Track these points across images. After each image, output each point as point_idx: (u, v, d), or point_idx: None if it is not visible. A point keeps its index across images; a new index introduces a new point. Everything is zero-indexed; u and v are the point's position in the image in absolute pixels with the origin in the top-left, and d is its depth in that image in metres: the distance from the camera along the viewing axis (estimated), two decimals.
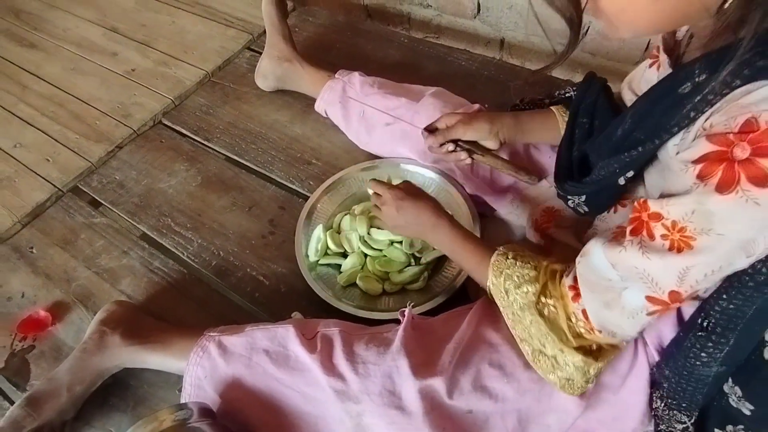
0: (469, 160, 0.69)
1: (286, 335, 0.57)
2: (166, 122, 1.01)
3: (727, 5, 0.34)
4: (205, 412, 0.55)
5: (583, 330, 0.46)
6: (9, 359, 0.70)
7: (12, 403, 0.66)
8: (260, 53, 1.05)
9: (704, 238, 0.37)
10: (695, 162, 0.37)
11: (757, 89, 0.33)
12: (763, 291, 0.40)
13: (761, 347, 0.44)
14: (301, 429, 0.55)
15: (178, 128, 1.00)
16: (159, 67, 1.11)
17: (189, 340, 0.62)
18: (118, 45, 1.17)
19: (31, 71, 1.12)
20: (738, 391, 0.47)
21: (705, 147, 0.36)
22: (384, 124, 0.85)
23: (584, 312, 0.46)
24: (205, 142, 0.96)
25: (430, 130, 0.70)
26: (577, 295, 0.46)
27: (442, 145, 0.68)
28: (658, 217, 0.39)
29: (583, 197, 0.53)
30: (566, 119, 0.63)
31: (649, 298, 0.41)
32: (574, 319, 0.47)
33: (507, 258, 0.52)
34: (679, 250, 0.38)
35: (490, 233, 0.75)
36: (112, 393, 0.66)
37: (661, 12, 0.36)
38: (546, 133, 0.68)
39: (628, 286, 0.42)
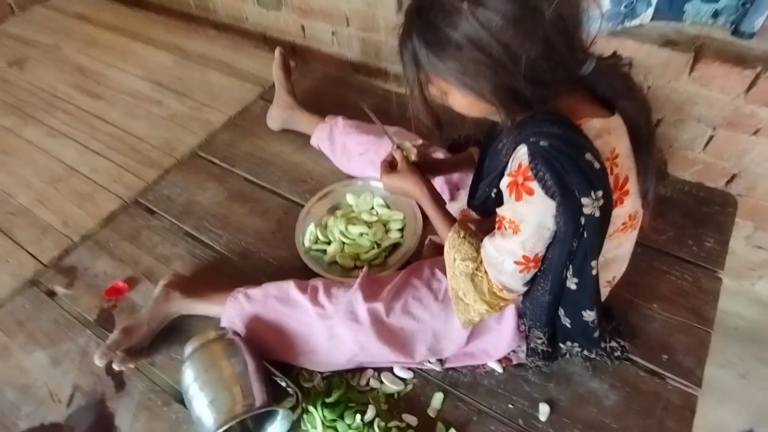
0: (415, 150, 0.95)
1: (288, 286, 0.91)
2: (201, 153, 1.37)
3: (501, 119, 0.66)
4: (236, 333, 0.88)
5: (496, 290, 0.72)
6: (100, 313, 1.03)
7: (102, 341, 0.98)
8: (270, 101, 1.41)
9: (523, 225, 0.65)
10: (507, 187, 0.65)
11: (521, 148, 0.64)
12: (555, 246, 0.68)
13: (565, 281, 0.73)
14: (297, 343, 0.87)
15: (209, 157, 1.35)
16: (194, 111, 1.48)
17: (224, 294, 0.95)
18: (162, 95, 1.55)
19: (98, 115, 1.48)
20: (562, 312, 0.77)
21: (507, 179, 0.67)
22: (359, 153, 1.20)
23: (491, 279, 0.72)
24: (230, 167, 1.31)
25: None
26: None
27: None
28: (503, 218, 0.68)
29: (481, 208, 0.83)
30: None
31: (516, 262, 0.68)
32: (491, 285, 0.72)
33: (459, 235, 0.76)
34: (516, 232, 0.66)
35: (429, 226, 1.08)
36: (171, 333, 0.98)
37: (477, 113, 0.69)
38: (468, 168, 0.99)
39: (504, 258, 0.69)
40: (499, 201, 0.80)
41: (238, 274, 1.08)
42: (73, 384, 0.93)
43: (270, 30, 1.89)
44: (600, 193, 0.62)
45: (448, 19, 0.58)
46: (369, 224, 1.11)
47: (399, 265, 1.02)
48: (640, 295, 0.97)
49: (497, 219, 0.72)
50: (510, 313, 0.86)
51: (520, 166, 0.65)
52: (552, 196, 0.63)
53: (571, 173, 0.61)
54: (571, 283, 0.72)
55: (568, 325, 0.78)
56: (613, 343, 0.88)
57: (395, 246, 1.08)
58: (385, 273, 0.98)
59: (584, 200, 0.62)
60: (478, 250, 0.75)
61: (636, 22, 1.22)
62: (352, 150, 1.22)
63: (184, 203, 1.23)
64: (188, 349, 0.84)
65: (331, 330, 0.85)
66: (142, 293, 1.06)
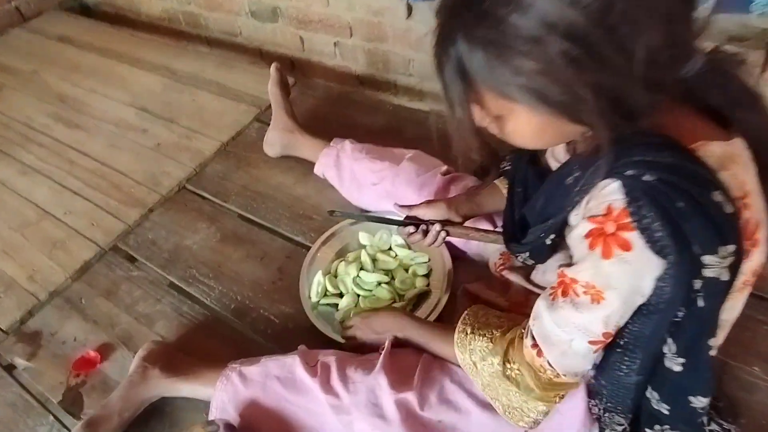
0: (444, 234, 0.79)
1: (294, 364, 0.72)
2: (190, 187, 1.20)
3: (579, 147, 0.49)
4: (230, 427, 0.69)
5: (551, 376, 0.55)
6: (65, 393, 0.85)
7: (68, 429, 0.80)
8: (267, 123, 1.24)
9: (609, 292, 0.48)
10: (585, 237, 0.48)
11: (608, 184, 0.47)
12: (651, 318, 0.51)
13: (663, 358, 0.56)
14: None
15: (199, 192, 1.18)
16: (182, 140, 1.31)
17: (214, 371, 0.76)
18: (148, 122, 1.38)
19: (77, 148, 1.32)
20: (656, 395, 0.59)
21: (588, 225, 0.48)
22: (371, 183, 1.02)
23: (549, 363, 0.55)
24: (223, 203, 1.14)
25: (405, 224, 0.80)
26: (540, 352, 0.55)
27: (418, 229, 0.79)
28: (575, 281, 0.51)
29: (527, 253, 0.66)
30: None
31: (591, 342, 0.52)
32: (542, 370, 0.55)
33: (466, 334, 0.63)
34: (598, 302, 0.49)
35: (462, 270, 0.90)
36: (151, 418, 0.80)
37: (545, 142, 0.52)
38: (493, 203, 0.81)
39: (573, 338, 0.52)
40: (554, 248, 0.62)
41: (233, 336, 0.90)
42: None
43: (266, 44, 1.74)
44: (732, 248, 0.45)
45: (514, 3, 0.40)
46: (388, 271, 0.92)
47: None
48: (736, 354, 0.78)
49: (560, 281, 0.54)
50: (578, 392, 0.66)
51: (610, 209, 0.46)
52: (660, 253, 0.45)
53: (692, 220, 0.43)
54: (674, 364, 0.54)
55: (665, 412, 0.60)
56: (714, 426, 0.68)
57: (421, 296, 0.89)
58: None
59: (708, 259, 0.45)
60: (492, 339, 0.59)
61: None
62: (363, 179, 1.04)
63: (170, 249, 1.06)
64: None
65: (349, 427, 0.66)
66: (117, 364, 0.88)
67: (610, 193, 0.47)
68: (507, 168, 0.81)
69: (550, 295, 0.55)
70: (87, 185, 1.22)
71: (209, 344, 0.89)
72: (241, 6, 1.65)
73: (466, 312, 0.66)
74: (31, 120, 1.44)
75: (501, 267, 0.81)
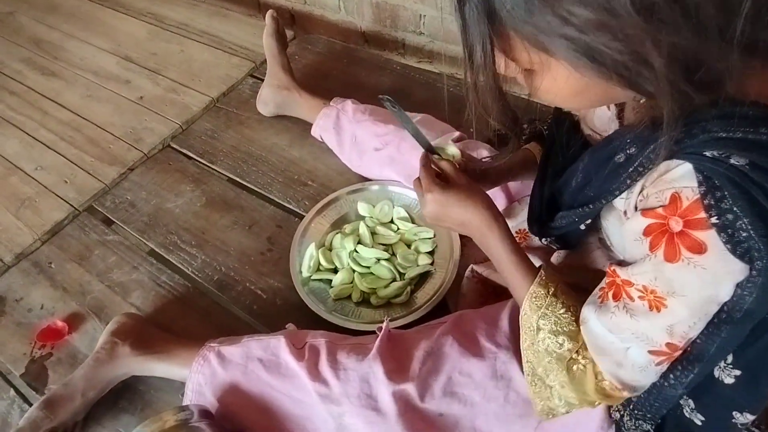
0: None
1: (278, 345, 0.64)
2: (174, 146, 1.09)
3: (642, 102, 0.39)
4: (205, 413, 0.62)
5: (607, 388, 0.48)
6: (29, 365, 0.77)
7: (30, 404, 0.73)
8: (262, 80, 1.13)
9: (672, 300, 0.41)
10: (644, 234, 0.41)
11: (675, 167, 0.38)
12: (722, 329, 0.43)
13: (715, 369, 0.48)
14: (290, 429, 0.61)
15: (185, 151, 1.07)
16: (168, 93, 1.20)
17: (191, 350, 0.68)
18: (131, 73, 1.26)
19: (51, 98, 1.21)
20: (691, 403, 0.52)
21: (645, 220, 0.40)
22: (373, 149, 0.92)
23: (603, 373, 0.47)
24: (210, 165, 1.04)
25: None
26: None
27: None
28: (629, 283, 0.43)
29: (553, 237, 0.57)
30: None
31: (652, 352, 0.44)
32: (600, 378, 0.48)
33: (548, 294, 0.50)
34: (658, 309, 0.42)
35: (471, 248, 0.81)
36: (121, 396, 0.72)
37: (585, 103, 0.42)
38: (526, 173, 0.69)
39: (629, 346, 0.45)
40: (585, 234, 0.53)
41: (215, 310, 0.82)
42: None
43: None
44: None
45: None
46: (388, 246, 0.83)
47: (432, 306, 0.75)
48: None
49: (610, 280, 0.46)
50: None
51: (676, 200, 0.37)
52: (745, 257, 0.36)
53: None
54: (727, 376, 0.47)
55: (698, 422, 0.52)
56: None
57: (424, 276, 0.80)
58: (410, 318, 0.71)
59: None
60: (578, 319, 0.49)
61: None
62: (365, 143, 0.93)
63: (150, 212, 0.96)
64: None
65: (339, 420, 0.58)
66: (87, 336, 0.80)
67: (676, 179, 0.38)
68: (543, 130, 0.69)
69: (599, 297, 0.47)
70: (61, 139, 1.11)
71: (188, 319, 0.81)
72: None
73: (544, 267, 0.52)
74: (2, 65, 1.32)
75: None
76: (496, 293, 0.72)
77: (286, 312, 0.80)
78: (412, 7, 1.32)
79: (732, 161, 0.34)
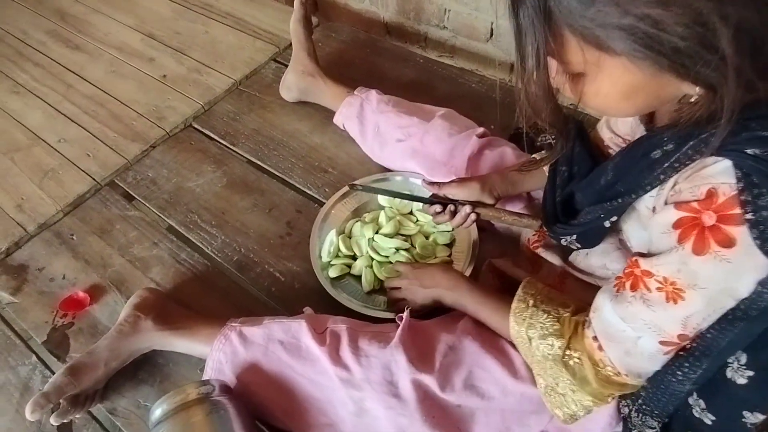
0: (474, 216, 0.72)
1: (300, 329, 0.65)
2: (196, 126, 1.10)
3: (694, 101, 0.39)
4: (225, 389, 0.63)
5: (611, 374, 0.49)
6: (51, 333, 0.79)
7: (51, 371, 0.75)
8: (285, 65, 1.13)
9: (692, 292, 0.42)
10: (674, 227, 0.42)
11: (713, 163, 0.39)
12: (735, 325, 0.45)
13: (724, 368, 0.49)
14: (309, 411, 0.63)
15: (206, 132, 1.08)
16: (192, 73, 1.20)
17: (212, 328, 0.69)
18: (155, 51, 1.27)
19: (75, 72, 1.21)
20: (702, 403, 0.53)
21: (677, 213, 0.41)
22: (396, 140, 0.93)
23: (611, 360, 0.49)
24: (231, 147, 1.05)
25: (432, 201, 0.74)
26: (600, 346, 0.49)
27: (445, 209, 0.72)
28: (649, 274, 0.44)
29: (574, 236, 0.58)
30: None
31: (662, 342, 0.46)
32: (602, 365, 0.50)
33: (528, 306, 0.55)
34: (675, 301, 0.43)
35: (489, 242, 0.82)
36: (141, 368, 0.74)
37: (633, 107, 0.43)
38: (533, 182, 0.73)
39: (641, 335, 0.46)
40: (607, 232, 0.54)
41: (234, 291, 0.83)
42: (7, 431, 0.70)
43: None
44: None
45: None
46: (407, 237, 0.84)
47: None
48: None
49: (629, 270, 0.47)
50: None
51: (713, 195, 0.38)
52: None
53: None
54: (740, 376, 0.48)
55: (708, 422, 0.54)
56: None
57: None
58: (429, 315, 0.72)
59: None
60: (559, 319, 0.52)
61: None
62: (388, 134, 0.94)
63: (171, 190, 0.98)
64: (157, 411, 0.60)
65: (360, 404, 0.60)
66: (107, 308, 0.82)
67: (714, 174, 0.39)
68: (549, 142, 0.71)
69: (615, 285, 0.48)
70: (84, 112, 1.12)
71: (207, 297, 0.82)
72: None
73: (525, 281, 0.58)
74: (26, 35, 1.32)
75: (536, 244, 0.73)
76: (512, 286, 0.73)
77: (304, 295, 0.81)
78: (438, 0, 1.32)
79: None
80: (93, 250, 0.89)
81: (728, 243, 0.38)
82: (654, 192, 0.46)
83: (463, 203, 0.72)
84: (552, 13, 0.36)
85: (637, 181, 0.47)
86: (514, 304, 0.57)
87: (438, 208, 0.73)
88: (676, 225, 0.41)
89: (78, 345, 0.77)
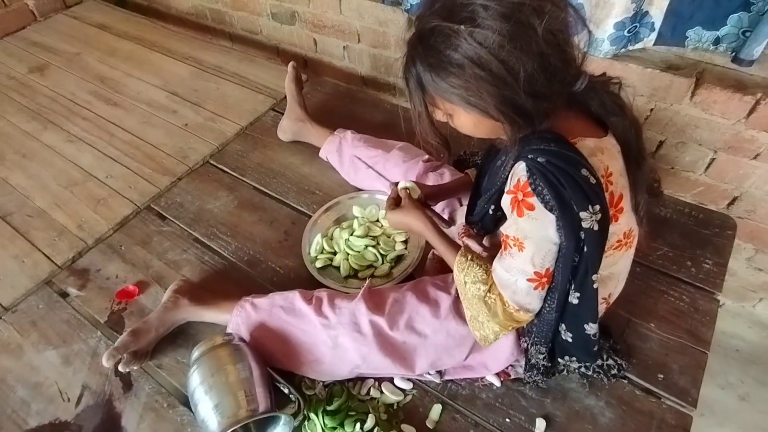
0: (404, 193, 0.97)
1: (294, 296, 0.93)
2: (213, 162, 1.41)
3: (505, 138, 0.69)
4: (242, 340, 0.90)
5: (512, 311, 0.73)
6: (110, 316, 1.06)
7: (112, 342, 1.01)
8: (281, 113, 1.45)
9: (526, 241, 0.67)
10: (509, 204, 0.68)
11: (519, 165, 0.68)
12: (558, 261, 0.70)
13: (569, 296, 0.74)
14: (301, 352, 0.90)
15: (221, 166, 1.39)
16: (207, 122, 1.52)
17: (232, 302, 0.97)
18: (177, 105, 1.59)
19: (115, 123, 1.53)
20: (563, 326, 0.78)
21: (508, 196, 0.70)
22: (366, 167, 1.23)
23: (507, 300, 0.72)
24: (241, 177, 1.35)
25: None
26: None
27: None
28: (506, 236, 0.71)
29: (479, 224, 0.87)
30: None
31: (529, 280, 0.70)
32: (507, 305, 0.73)
33: (467, 259, 0.78)
34: (521, 249, 0.68)
35: None
36: (178, 336, 1.01)
37: (483, 132, 0.72)
38: (466, 191, 1.00)
39: (516, 278, 0.71)
40: (496, 218, 0.83)
41: (245, 281, 1.11)
42: (83, 384, 0.96)
43: (283, 43, 1.95)
44: (597, 207, 0.65)
45: (447, 42, 0.61)
46: (375, 237, 1.13)
47: (403, 277, 1.04)
48: (638, 314, 0.99)
49: (502, 239, 0.75)
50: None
51: (519, 182, 0.67)
52: (551, 210, 0.65)
53: (569, 188, 0.63)
54: (573, 298, 0.74)
55: (570, 340, 0.79)
56: (610, 361, 0.89)
57: (399, 258, 1.10)
58: (388, 285, 1.01)
59: (582, 214, 0.64)
60: (487, 271, 0.77)
61: (639, 45, 1.26)
62: (360, 163, 1.25)
63: (195, 210, 1.27)
64: (195, 353, 0.87)
65: (335, 340, 0.87)
66: (151, 297, 1.09)
67: (519, 171, 0.68)
68: (478, 161, 1.02)
69: (500, 252, 0.76)
70: (125, 155, 1.43)
71: (226, 286, 1.10)
72: (263, 8, 1.86)
73: (463, 244, 0.84)
74: (74, 96, 1.65)
75: (462, 234, 1.02)
76: (449, 271, 1.02)
77: (297, 282, 1.09)
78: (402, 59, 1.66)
79: (539, 159, 0.65)
80: (137, 256, 1.17)
81: (530, 207, 0.66)
82: (506, 186, 0.76)
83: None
84: (423, 85, 0.67)
85: (493, 180, 0.77)
86: (457, 258, 0.79)
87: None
88: (509, 202, 0.70)
89: (131, 323, 1.04)
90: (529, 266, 0.70)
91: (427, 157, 1.20)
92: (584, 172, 0.64)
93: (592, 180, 0.64)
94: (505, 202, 0.72)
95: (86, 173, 1.38)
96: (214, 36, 2.10)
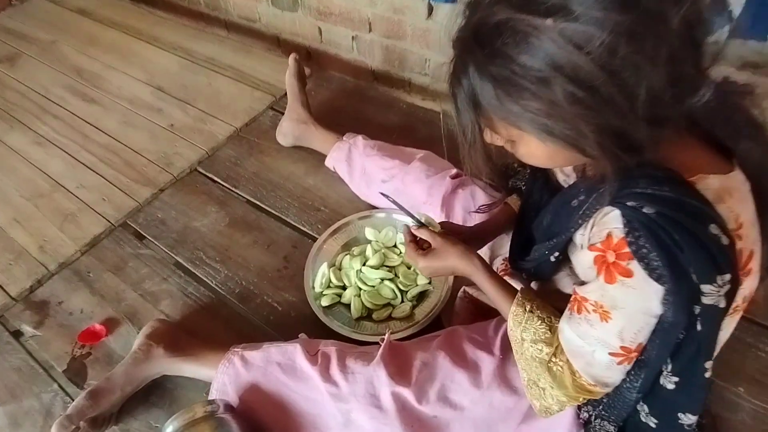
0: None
1: (295, 351, 0.74)
2: (201, 170, 1.21)
3: (588, 170, 0.50)
4: (229, 407, 0.72)
5: (586, 384, 0.56)
6: (71, 362, 0.87)
7: (71, 398, 0.83)
8: (281, 112, 1.26)
9: (615, 312, 0.51)
10: (594, 263, 0.51)
11: (609, 212, 0.49)
12: (656, 337, 0.53)
13: (659, 376, 0.58)
14: (303, 425, 0.71)
15: (210, 176, 1.20)
16: (197, 122, 1.33)
17: (217, 354, 0.78)
18: (163, 102, 1.40)
19: (91, 123, 1.34)
20: (646, 408, 0.61)
21: (591, 253, 0.51)
22: (380, 180, 1.04)
23: (579, 371, 0.56)
24: (233, 189, 1.16)
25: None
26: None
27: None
28: (585, 299, 0.53)
29: (531, 270, 0.67)
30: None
31: (611, 354, 0.53)
32: (578, 375, 0.56)
33: (525, 310, 0.61)
34: (606, 320, 0.52)
35: None
36: (152, 393, 0.82)
37: (557, 164, 0.55)
38: (509, 226, 0.79)
39: (594, 349, 0.54)
40: (557, 264, 0.64)
41: (236, 320, 0.92)
42: None
43: (284, 32, 1.74)
44: (728, 277, 0.46)
45: (524, 45, 0.42)
46: (391, 267, 0.94)
47: (428, 322, 0.85)
48: (722, 374, 0.80)
49: (573, 297, 0.57)
50: None
51: (610, 238, 0.49)
52: (659, 280, 0.47)
53: (689, 251, 0.45)
54: (669, 382, 0.56)
55: (653, 425, 0.62)
56: None
57: (422, 294, 0.91)
58: (410, 335, 0.81)
59: (706, 287, 0.46)
60: (552, 329, 0.59)
61: (709, 38, 1.05)
62: (373, 175, 1.05)
63: (178, 230, 1.08)
64: (168, 429, 0.68)
65: (347, 416, 0.68)
66: (122, 339, 0.90)
67: (610, 222, 0.49)
68: (521, 186, 0.82)
69: (569, 309, 0.58)
70: (100, 160, 1.23)
71: (212, 326, 0.91)
72: None
73: (521, 289, 0.65)
74: (47, 91, 1.45)
75: (503, 272, 0.83)
76: (484, 312, 0.83)
77: (299, 323, 0.90)
78: (419, 51, 1.46)
79: (644, 210, 0.45)
80: (108, 285, 0.98)
81: (627, 274, 0.48)
82: (581, 231, 0.56)
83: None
84: (479, 103, 0.47)
85: (563, 224, 0.57)
86: (512, 308, 0.62)
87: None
88: (594, 261, 0.51)
89: (95, 373, 0.86)
90: (614, 340, 0.53)
91: (455, 171, 1.00)
92: (713, 229, 0.45)
93: (724, 240, 0.45)
94: (587, 260, 0.53)
95: (54, 182, 1.19)
96: (208, 24, 1.89)
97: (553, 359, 0.59)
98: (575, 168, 0.64)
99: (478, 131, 0.50)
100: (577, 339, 0.56)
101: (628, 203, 0.46)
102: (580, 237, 0.57)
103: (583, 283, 0.57)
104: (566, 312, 0.59)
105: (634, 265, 0.47)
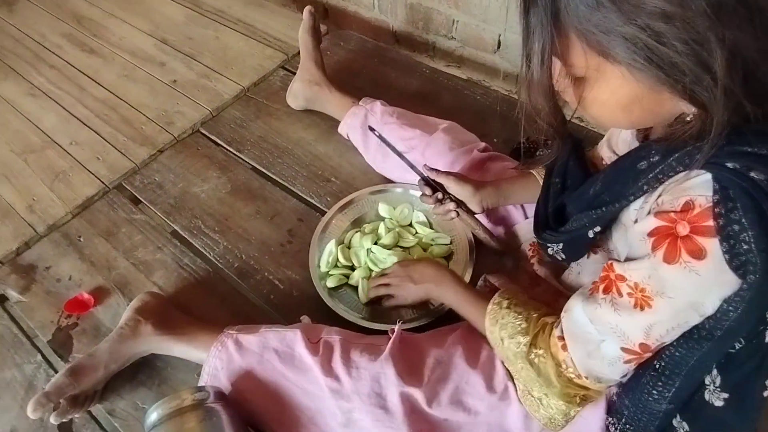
0: (454, 215, 0.76)
1: (294, 338, 0.66)
2: (204, 131, 1.12)
3: (689, 120, 0.40)
4: (220, 395, 0.64)
5: (572, 376, 0.51)
6: (56, 333, 0.81)
7: (55, 370, 0.77)
8: (293, 73, 1.15)
9: (660, 300, 0.43)
10: (649, 235, 0.42)
11: (695, 176, 0.40)
12: (702, 344, 0.45)
13: (702, 390, 0.50)
14: (300, 419, 0.64)
15: (213, 138, 1.10)
16: (201, 79, 1.22)
17: (210, 334, 0.71)
18: (167, 56, 1.29)
19: (89, 75, 1.24)
20: (685, 426, 0.53)
21: (654, 222, 0.42)
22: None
23: (573, 360, 0.50)
24: (237, 153, 1.07)
25: (427, 182, 0.77)
26: (565, 346, 0.51)
27: (433, 195, 0.76)
28: (623, 278, 0.45)
29: (560, 245, 0.58)
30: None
31: (624, 349, 0.47)
32: (564, 366, 0.51)
33: (501, 307, 0.57)
34: (642, 308, 0.44)
35: (486, 258, 0.82)
36: (140, 371, 0.76)
37: (632, 120, 0.44)
38: (526, 194, 0.75)
39: (605, 339, 0.47)
40: (592, 242, 0.54)
41: (233, 297, 0.85)
42: (11, 428, 0.72)
43: None
44: None
45: None
46: (405, 248, 0.85)
47: (444, 310, 0.76)
48: None
49: (605, 274, 0.48)
50: (596, 406, 0.60)
51: (689, 205, 0.39)
52: (740, 271, 0.38)
53: None
54: (716, 399, 0.49)
55: None
56: None
57: None
58: (423, 321, 0.73)
59: None
60: (527, 318, 0.54)
61: None
62: None
63: (177, 195, 1.00)
64: (153, 415, 0.61)
65: (348, 415, 0.61)
66: (110, 310, 0.84)
67: (693, 187, 0.39)
68: (543, 156, 0.71)
69: (588, 289, 0.49)
70: (96, 116, 1.14)
71: (207, 302, 0.84)
72: None
73: (503, 288, 0.60)
74: (44, 38, 1.36)
75: (532, 256, 0.73)
76: None
77: (301, 304, 0.82)
78: (447, 11, 1.32)
79: (752, 174, 0.36)
80: (99, 252, 0.91)
81: (699, 254, 0.39)
82: (638, 204, 0.46)
83: (451, 199, 0.76)
84: (560, 14, 0.37)
85: (621, 191, 0.47)
86: (489, 306, 0.59)
87: (428, 190, 0.76)
88: (652, 233, 0.42)
89: (81, 345, 0.80)
90: (638, 333, 0.45)
91: (483, 145, 0.89)
92: None
93: None
94: (641, 229, 0.44)
95: (47, 137, 1.10)
96: None
97: (533, 350, 0.52)
98: (637, 133, 0.53)
99: (548, 56, 0.39)
100: (587, 323, 0.48)
101: (728, 164, 0.36)
102: (635, 211, 0.47)
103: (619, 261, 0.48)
104: (583, 290, 0.51)
105: (713, 245, 0.37)
